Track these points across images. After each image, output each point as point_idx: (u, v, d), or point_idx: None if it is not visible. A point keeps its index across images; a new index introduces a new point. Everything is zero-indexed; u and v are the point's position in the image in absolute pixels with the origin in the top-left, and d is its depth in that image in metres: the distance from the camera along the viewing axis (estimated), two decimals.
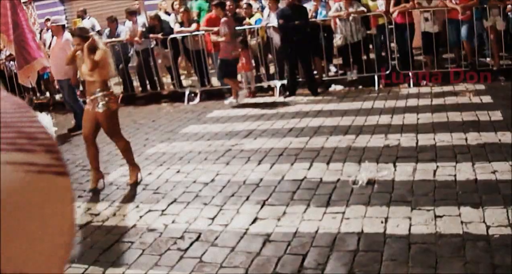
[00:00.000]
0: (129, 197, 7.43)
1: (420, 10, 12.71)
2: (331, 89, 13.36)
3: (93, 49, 7.42)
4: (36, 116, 0.80)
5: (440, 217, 5.58)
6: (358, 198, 6.32)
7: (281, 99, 12.83)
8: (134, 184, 7.81)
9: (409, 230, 5.41)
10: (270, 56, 14.65)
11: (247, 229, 5.91)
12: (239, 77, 13.62)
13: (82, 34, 7.62)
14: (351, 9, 12.92)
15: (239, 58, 13.11)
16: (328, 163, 7.59)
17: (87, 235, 6.39)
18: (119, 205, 7.19)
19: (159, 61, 15.24)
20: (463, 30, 12.51)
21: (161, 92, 15.22)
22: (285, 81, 13.40)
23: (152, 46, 15.10)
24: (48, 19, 15.96)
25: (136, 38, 14.49)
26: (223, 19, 12.53)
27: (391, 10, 12.80)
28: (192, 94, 14.43)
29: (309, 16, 13.26)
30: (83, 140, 7.98)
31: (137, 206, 7.03)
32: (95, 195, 7.68)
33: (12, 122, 0.76)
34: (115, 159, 9.38)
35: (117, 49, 15.05)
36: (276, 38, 13.57)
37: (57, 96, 16.11)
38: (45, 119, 10.06)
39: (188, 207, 6.76)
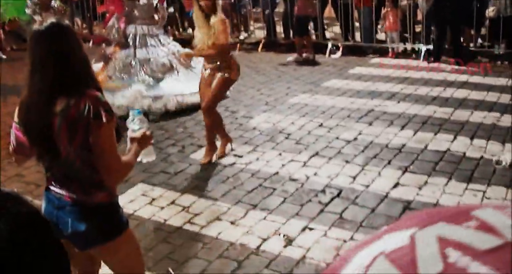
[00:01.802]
0: (272, 144, 7.70)
1: None
2: (476, 60, 13.13)
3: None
4: None
5: None
6: (500, 179, 6.33)
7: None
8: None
9: None
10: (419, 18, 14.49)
11: (387, 193, 6.07)
12: (384, 36, 13.65)
13: None
14: None
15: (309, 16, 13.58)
16: (472, 138, 7.59)
17: (232, 175, 6.72)
18: (262, 150, 7.47)
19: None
20: None
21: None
22: (430, 46, 13.28)
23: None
24: None
25: None
26: None
27: None
28: (334, 47, 14.50)
29: None
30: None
31: (280, 154, 7.30)
32: (239, 137, 7.98)
33: None
34: (258, 104, 9.68)
35: None
36: (424, 1, 13.44)
37: None
38: None
39: (330, 162, 6.97)
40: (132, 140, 3.34)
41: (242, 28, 17.29)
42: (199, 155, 7.36)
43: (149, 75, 9.71)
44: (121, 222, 3.26)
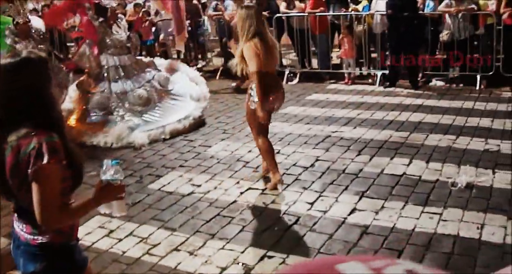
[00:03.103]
0: (230, 172, 7.70)
1: None
2: (431, 84, 13.35)
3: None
4: None
5: None
6: (456, 200, 6.42)
7: (381, 89, 12.90)
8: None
9: (504, 239, 5.50)
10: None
11: (345, 218, 6.12)
12: (338, 61, 13.85)
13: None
14: (461, 6, 12.81)
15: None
16: (427, 161, 7.68)
17: (190, 205, 6.71)
18: (220, 179, 7.47)
19: None
20: None
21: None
22: (386, 71, 13.45)
23: None
24: None
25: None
26: None
27: (501, 10, 12.63)
28: (291, 75, 14.63)
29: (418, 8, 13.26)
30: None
31: (238, 182, 7.32)
32: (197, 166, 7.98)
33: None
34: (216, 132, 9.70)
35: (222, 22, 15.35)
36: (379, 27, 13.65)
37: None
38: None
39: (287, 189, 7.00)
40: (98, 189, 3.15)
41: (200, 56, 17.35)
42: (157, 185, 7.35)
43: (128, 110, 9.62)
44: (75, 266, 3.20)
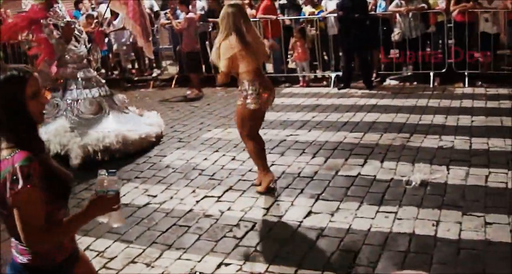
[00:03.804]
0: (186, 181, 7.64)
1: (480, 11, 12.63)
2: (385, 83, 13.46)
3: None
4: None
5: (490, 224, 5.69)
6: (410, 199, 6.45)
7: (335, 91, 12.96)
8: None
9: (459, 235, 5.53)
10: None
11: (301, 222, 6.10)
12: (294, 65, 13.87)
13: None
14: (411, 5, 12.93)
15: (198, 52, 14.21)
16: (382, 161, 7.72)
17: (146, 216, 6.64)
18: (176, 188, 7.41)
19: None
20: None
21: (215, 76, 15.37)
22: (340, 73, 13.53)
23: (210, 30, 15.29)
24: None
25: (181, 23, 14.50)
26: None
27: (451, 8, 12.76)
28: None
29: (369, 9, 13.34)
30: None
31: (194, 191, 7.26)
32: (152, 177, 7.91)
33: None
34: (171, 141, 9.64)
35: (177, 31, 15.29)
36: (332, 29, 13.75)
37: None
38: None
39: (243, 196, 6.97)
40: (91, 201, 3.05)
41: (155, 65, 17.27)
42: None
43: (77, 116, 9.44)
44: None
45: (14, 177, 2.75)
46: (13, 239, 3.04)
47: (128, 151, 8.97)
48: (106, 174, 3.12)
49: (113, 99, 9.98)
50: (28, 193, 2.76)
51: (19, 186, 2.73)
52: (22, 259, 3.00)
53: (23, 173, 2.75)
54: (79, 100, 9.57)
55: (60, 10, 9.79)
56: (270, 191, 6.99)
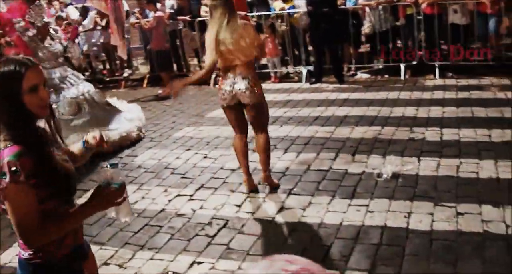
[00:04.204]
0: (158, 181, 7.60)
1: (449, 2, 12.67)
2: (357, 77, 13.48)
3: None
4: None
5: (462, 214, 5.71)
6: (382, 191, 6.46)
7: (307, 85, 12.95)
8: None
9: (431, 226, 5.55)
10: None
11: (273, 218, 6.09)
12: (265, 61, 13.85)
13: None
14: None
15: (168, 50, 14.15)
16: (353, 154, 7.72)
17: None
18: (147, 188, 7.36)
19: (186, 43, 15.38)
20: (491, 23, 12.46)
21: (187, 74, 15.34)
22: (311, 68, 13.53)
23: (180, 28, 15.24)
24: None
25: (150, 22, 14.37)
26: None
27: (420, 0, 12.79)
28: (219, 78, 14.51)
29: (339, 3, 13.33)
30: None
31: (166, 190, 7.22)
32: (124, 177, 7.82)
33: None
34: (143, 141, 9.59)
35: (145, 29, 15.21)
36: (303, 24, 13.74)
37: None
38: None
39: (215, 193, 6.94)
40: (93, 196, 2.94)
41: (126, 65, 17.17)
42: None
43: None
44: None
45: (2, 172, 2.68)
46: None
47: (108, 151, 8.84)
48: (108, 167, 3.01)
49: (93, 97, 9.89)
50: (15, 190, 2.70)
51: (6, 182, 2.68)
52: (24, 254, 2.94)
53: (10, 169, 2.68)
54: (58, 102, 9.47)
55: (40, 9, 9.71)
56: (237, 187, 7.06)
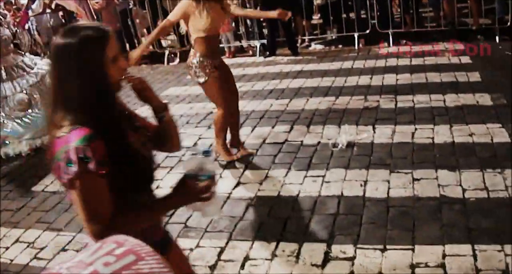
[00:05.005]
0: None
1: None
2: (311, 48, 13.44)
3: None
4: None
5: (418, 180, 5.73)
6: (338, 161, 6.44)
7: (261, 59, 12.88)
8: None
9: (388, 193, 5.56)
10: None
11: (230, 193, 6.04)
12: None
13: None
14: None
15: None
16: (308, 126, 7.69)
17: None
18: None
19: (138, 22, 15.19)
20: None
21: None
22: (265, 41, 13.45)
23: (131, 7, 15.04)
24: None
25: (99, 3, 14.15)
26: None
27: None
28: (172, 55, 14.45)
29: None
30: None
31: None
32: None
33: None
34: None
35: (95, 9, 14.99)
36: None
37: None
38: None
39: (171, 172, 6.84)
40: (176, 188, 2.55)
41: None
42: (41, 186, 7.07)
43: (6, 116, 8.97)
44: None
45: (68, 160, 2.31)
46: None
47: None
48: (201, 154, 2.62)
49: (46, 87, 9.59)
50: (85, 179, 2.34)
51: (73, 171, 2.31)
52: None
53: (78, 156, 2.31)
54: (7, 97, 9.12)
55: None
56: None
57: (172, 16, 6.38)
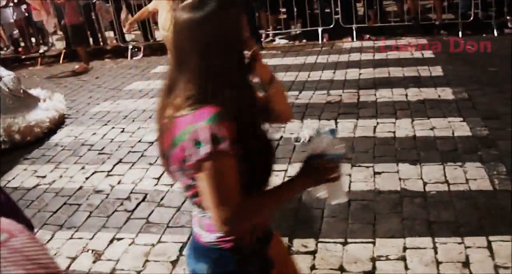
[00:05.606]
0: (75, 158, 7.43)
1: None
2: (275, 43, 13.47)
3: None
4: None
5: (379, 173, 5.78)
6: (300, 155, 6.42)
7: None
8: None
9: (349, 187, 5.59)
10: None
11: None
12: None
13: None
14: None
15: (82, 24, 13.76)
16: None
17: (36, 198, 6.41)
18: (65, 167, 7.19)
19: (101, 16, 15.07)
20: None
21: (104, 47, 15.08)
22: None
23: (94, 1, 14.92)
24: None
25: None
26: None
27: None
28: (135, 49, 14.37)
29: None
30: None
31: (83, 167, 7.05)
32: (41, 157, 7.66)
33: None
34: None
35: (58, 3, 14.84)
36: None
37: None
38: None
39: (133, 168, 6.82)
40: (303, 169, 2.40)
41: (41, 41, 16.74)
42: (3, 182, 6.93)
43: None
44: None
45: (197, 140, 2.08)
46: (195, 212, 2.45)
47: (15, 141, 8.41)
48: (327, 133, 2.42)
49: (5, 83, 9.41)
50: (217, 161, 2.11)
51: (204, 152, 2.08)
52: (206, 237, 2.38)
53: (211, 135, 2.07)
54: None
55: None
56: (155, 160, 6.88)
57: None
